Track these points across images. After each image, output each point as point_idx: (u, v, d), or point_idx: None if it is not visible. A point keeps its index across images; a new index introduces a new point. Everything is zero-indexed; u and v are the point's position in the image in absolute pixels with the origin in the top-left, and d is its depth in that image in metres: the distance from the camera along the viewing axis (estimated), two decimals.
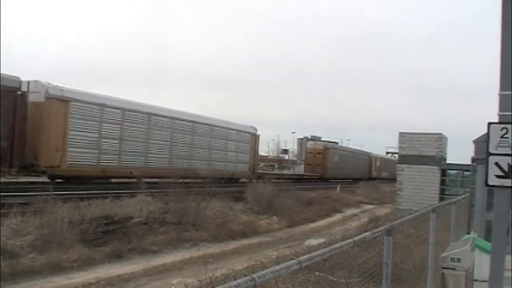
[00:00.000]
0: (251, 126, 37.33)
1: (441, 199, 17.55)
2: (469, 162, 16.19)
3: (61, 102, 20.81)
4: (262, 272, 2.27)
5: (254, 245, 16.14)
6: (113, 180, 25.05)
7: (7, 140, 18.44)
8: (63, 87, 21.43)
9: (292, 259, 2.63)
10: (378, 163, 70.55)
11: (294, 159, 76.54)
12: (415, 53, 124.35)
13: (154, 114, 26.63)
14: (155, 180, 23.92)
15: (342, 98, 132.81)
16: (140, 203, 17.06)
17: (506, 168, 4.97)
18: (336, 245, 3.27)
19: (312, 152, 51.99)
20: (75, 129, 21.39)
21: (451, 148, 21.67)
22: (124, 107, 24.55)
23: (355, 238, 3.62)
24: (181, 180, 19.09)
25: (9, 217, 12.35)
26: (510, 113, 4.99)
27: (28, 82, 20.09)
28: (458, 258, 6.87)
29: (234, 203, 21.81)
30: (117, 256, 12.50)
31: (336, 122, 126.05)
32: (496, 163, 5.01)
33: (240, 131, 35.53)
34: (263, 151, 65.66)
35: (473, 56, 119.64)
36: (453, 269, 6.86)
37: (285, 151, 79.07)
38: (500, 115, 5.14)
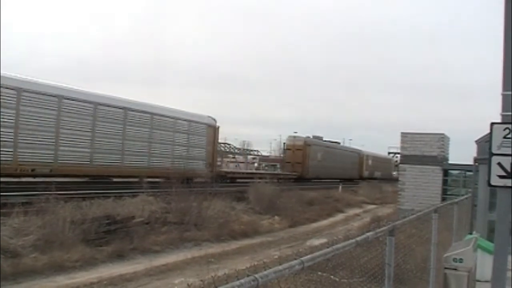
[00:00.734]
0: (209, 117, 31.60)
1: (443, 199, 17.52)
2: (471, 162, 16.16)
3: None
4: (265, 272, 2.27)
5: (256, 245, 16.14)
6: (114, 180, 25.05)
7: None
8: None
9: (295, 259, 2.62)
10: (370, 162, 66.24)
11: None
12: (416, 52, 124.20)
13: (64, 97, 21.07)
14: (157, 180, 23.89)
15: (343, 98, 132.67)
16: (142, 202, 17.09)
17: (508, 168, 4.96)
18: (339, 245, 3.26)
19: (291, 148, 45.93)
20: None
21: (453, 148, 21.64)
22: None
23: (358, 238, 3.61)
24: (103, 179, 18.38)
25: (11, 216, 12.37)
26: None
27: None
28: (460, 259, 6.86)
29: (236, 203, 21.82)
30: (119, 256, 12.51)
31: (338, 122, 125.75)
32: (499, 163, 5.00)
33: (193, 121, 29.76)
34: (265, 151, 65.79)
35: (474, 56, 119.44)
36: (455, 269, 6.85)
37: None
38: (502, 115, 5.13)
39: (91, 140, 22.37)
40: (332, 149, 53.27)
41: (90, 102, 22.34)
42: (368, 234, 3.84)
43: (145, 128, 25.90)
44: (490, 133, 5.10)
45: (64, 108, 21.11)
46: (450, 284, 6.96)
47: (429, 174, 19.46)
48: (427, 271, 6.86)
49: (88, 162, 22.27)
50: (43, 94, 20.29)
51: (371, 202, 35.44)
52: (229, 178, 34.14)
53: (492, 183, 5.07)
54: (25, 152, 19.42)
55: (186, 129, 29.15)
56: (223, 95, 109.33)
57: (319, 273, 4.10)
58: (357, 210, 30.77)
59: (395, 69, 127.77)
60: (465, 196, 13.79)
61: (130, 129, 24.81)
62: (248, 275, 2.15)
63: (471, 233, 11.19)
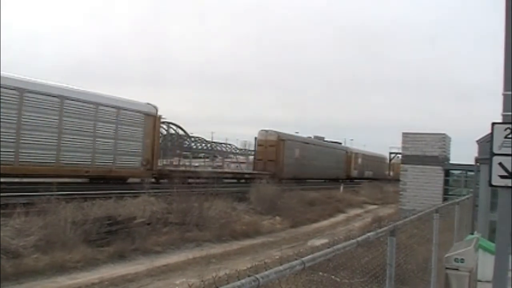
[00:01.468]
0: (148, 104, 26.02)
1: (445, 199, 17.54)
2: (472, 162, 16.15)
3: None
4: (266, 273, 2.27)
5: (257, 246, 16.14)
6: (113, 180, 25.03)
7: None
8: None
9: (296, 259, 2.63)
10: (360, 160, 61.05)
11: None
12: (416, 52, 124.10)
13: None
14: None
15: (344, 98, 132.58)
16: (143, 203, 17.09)
17: (509, 168, 4.95)
18: (340, 246, 3.27)
19: (263, 144, 40.10)
20: None
21: (454, 148, 21.66)
22: None
23: (359, 239, 3.61)
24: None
25: (12, 217, 12.38)
26: None
27: None
28: (462, 259, 6.86)
29: (237, 203, 21.82)
30: (120, 257, 12.52)
31: (338, 122, 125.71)
32: (500, 163, 5.00)
33: (124, 108, 23.98)
34: None
35: (475, 56, 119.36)
36: (457, 269, 6.85)
37: None
38: (503, 115, 5.13)
39: None
40: (312, 145, 47.48)
41: None
42: (369, 234, 3.85)
43: (52, 115, 20.41)
44: (491, 133, 5.10)
45: None
46: (452, 284, 6.96)
47: (431, 174, 19.48)
48: (428, 271, 6.86)
49: None
50: None
51: (372, 203, 35.42)
52: (176, 178, 27.51)
53: (493, 183, 5.06)
54: None
55: (114, 118, 23.36)
56: (223, 95, 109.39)
57: (320, 273, 4.11)
58: (358, 211, 30.75)
59: (395, 69, 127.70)
60: (467, 196, 13.80)
61: (28, 115, 19.32)
62: (249, 275, 2.15)
63: (472, 233, 11.19)
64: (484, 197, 13.95)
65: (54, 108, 20.55)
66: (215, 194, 19.10)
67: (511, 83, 5.02)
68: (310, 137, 57.50)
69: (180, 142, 69.33)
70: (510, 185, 4.94)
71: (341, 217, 26.72)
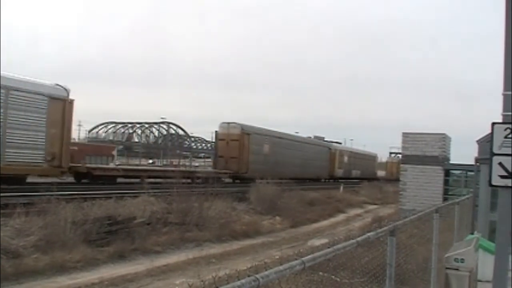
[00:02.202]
0: (56, 85, 21.20)
1: (445, 199, 17.53)
2: (472, 162, 16.15)
3: None
4: (266, 273, 2.27)
5: (257, 245, 16.14)
6: (117, 180, 25.08)
7: None
8: None
9: (296, 259, 2.63)
10: (345, 159, 56.50)
11: None
12: (416, 52, 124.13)
13: None
14: (158, 180, 23.83)
15: (344, 98, 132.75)
16: (143, 203, 17.08)
17: (509, 168, 4.95)
18: (340, 246, 3.27)
19: (225, 139, 35.03)
20: None
21: (454, 148, 21.66)
22: None
23: (359, 239, 3.61)
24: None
25: (12, 217, 12.38)
26: None
27: None
28: (462, 259, 6.86)
29: (237, 203, 21.82)
30: (120, 257, 12.52)
31: (338, 122, 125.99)
32: (500, 163, 5.00)
33: (17, 89, 19.12)
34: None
35: (475, 56, 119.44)
36: (457, 269, 6.85)
37: None
38: (503, 115, 5.12)
39: None
40: (287, 140, 41.80)
41: None
42: (369, 234, 3.85)
43: None
44: (491, 133, 5.10)
45: None
46: (452, 284, 6.96)
47: (431, 174, 19.47)
48: (428, 271, 6.85)
49: None
50: None
51: (372, 202, 35.45)
52: (97, 177, 24.31)
53: (493, 183, 5.06)
54: None
55: (2, 100, 18.57)
56: (223, 95, 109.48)
57: (320, 273, 4.11)
58: (358, 211, 30.76)
59: (395, 68, 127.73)
60: (467, 196, 13.79)
61: None
62: (249, 275, 2.15)
63: (472, 233, 11.18)
64: (484, 197, 13.95)
65: None
66: (215, 194, 19.09)
67: (511, 83, 5.02)
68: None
69: (180, 142, 69.20)
70: (510, 185, 4.94)
71: (341, 217, 26.72)
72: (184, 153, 69.12)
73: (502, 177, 4.98)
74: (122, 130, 71.08)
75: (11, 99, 18.98)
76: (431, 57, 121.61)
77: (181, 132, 67.80)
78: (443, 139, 19.86)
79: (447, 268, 6.96)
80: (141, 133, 70.40)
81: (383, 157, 78.18)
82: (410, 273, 6.23)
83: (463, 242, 8.30)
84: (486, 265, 7.84)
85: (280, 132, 42.35)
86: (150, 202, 17.46)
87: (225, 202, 19.83)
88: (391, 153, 79.25)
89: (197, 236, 15.57)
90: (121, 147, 62.05)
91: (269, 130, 40.01)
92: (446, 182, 19.60)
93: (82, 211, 13.97)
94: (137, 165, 49.37)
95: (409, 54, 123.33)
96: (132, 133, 71.68)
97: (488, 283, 6.82)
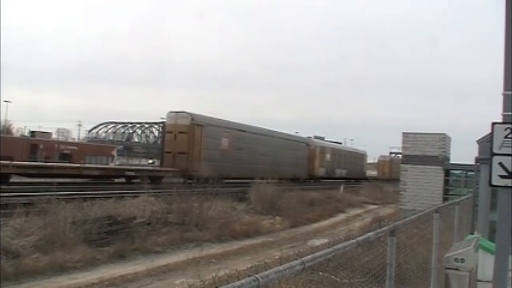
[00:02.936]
0: None
1: (445, 199, 17.52)
2: (472, 162, 16.14)
3: None
4: (266, 273, 2.27)
5: (257, 246, 16.13)
6: (116, 180, 25.06)
7: None
8: None
9: (296, 259, 2.62)
10: (328, 156, 50.24)
11: None
12: (416, 52, 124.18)
13: None
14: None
15: (344, 98, 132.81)
16: (143, 203, 17.09)
17: (509, 168, 4.95)
18: (340, 246, 3.26)
19: (172, 131, 29.79)
20: None
21: (454, 148, 21.66)
22: None
23: (359, 239, 3.61)
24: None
25: (12, 217, 12.38)
26: None
27: None
28: (462, 259, 6.86)
29: (237, 203, 21.82)
30: (120, 257, 12.52)
31: (338, 122, 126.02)
32: (500, 163, 4.99)
33: None
34: None
35: (475, 56, 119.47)
36: (457, 269, 6.85)
37: None
38: (503, 115, 5.12)
39: None
40: (251, 134, 35.76)
41: None
42: (369, 234, 3.84)
43: None
44: (491, 133, 5.09)
45: None
46: (452, 284, 6.96)
47: (431, 174, 19.47)
48: (429, 271, 6.85)
49: None
50: None
51: (373, 202, 35.42)
52: None
53: (494, 183, 5.06)
54: None
55: None
56: (223, 95, 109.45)
57: (320, 273, 4.11)
58: (358, 210, 30.75)
59: (395, 69, 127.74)
60: (467, 196, 13.78)
61: None
62: (249, 275, 2.15)
63: (472, 233, 11.16)
64: (484, 197, 13.92)
65: None
66: (215, 194, 19.09)
67: (511, 83, 5.01)
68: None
69: None
70: (510, 185, 4.94)
71: (341, 217, 26.71)
72: None
73: (502, 177, 4.98)
74: (122, 130, 71.10)
75: None
76: (431, 57, 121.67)
77: None
78: (443, 139, 19.86)
79: (447, 268, 6.96)
80: (141, 133, 70.41)
81: (382, 156, 76.13)
82: (410, 273, 6.23)
83: (463, 242, 8.30)
84: (486, 265, 7.83)
85: (243, 124, 35.87)
86: (150, 202, 17.47)
87: (225, 202, 19.84)
88: (391, 153, 78.71)
89: (197, 236, 15.57)
90: (121, 147, 62.04)
91: (228, 122, 33.85)
92: (446, 182, 19.60)
93: (82, 211, 13.98)
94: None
95: (409, 54, 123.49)
96: (132, 133, 71.71)
97: (488, 283, 6.81)
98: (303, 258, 2.66)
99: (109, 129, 71.42)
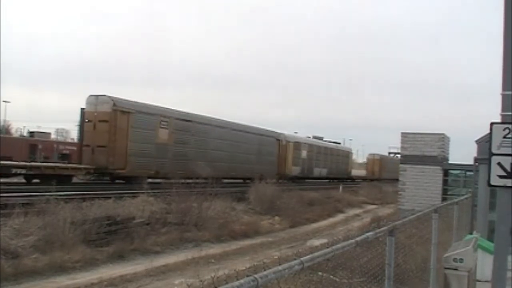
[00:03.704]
0: None
1: (444, 199, 17.52)
2: (471, 162, 16.16)
3: None
4: (265, 273, 2.27)
5: (256, 246, 16.14)
6: (115, 180, 25.04)
7: None
8: None
9: (295, 259, 2.63)
10: (304, 153, 43.64)
11: None
12: (416, 52, 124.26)
13: None
14: (158, 180, 23.72)
15: (343, 98, 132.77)
16: (142, 203, 17.09)
17: (508, 168, 4.96)
18: (338, 245, 3.27)
19: (91, 119, 24.34)
20: None
21: (453, 148, 21.67)
22: None
23: (358, 238, 3.61)
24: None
25: (11, 217, 12.37)
26: None
27: None
28: (461, 259, 6.86)
29: (236, 203, 21.82)
30: (119, 257, 12.51)
31: (338, 122, 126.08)
32: (499, 163, 5.00)
33: None
34: None
35: (475, 56, 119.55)
36: (456, 269, 6.86)
37: None
38: (502, 115, 5.13)
39: None
40: (200, 125, 29.75)
41: None
42: (368, 234, 3.85)
43: None
44: (490, 133, 5.10)
45: None
46: (451, 284, 6.96)
47: (430, 174, 19.46)
48: (427, 271, 6.86)
49: None
50: None
51: (372, 202, 35.43)
52: None
53: (492, 183, 5.07)
54: None
55: None
56: (223, 95, 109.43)
57: (319, 273, 4.11)
58: (357, 210, 30.76)
59: (395, 69, 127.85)
60: (465, 196, 13.77)
61: None
62: (248, 276, 2.15)
63: (471, 233, 11.18)
64: (483, 197, 13.95)
65: None
66: (214, 194, 19.08)
67: (510, 83, 5.02)
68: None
69: None
70: (509, 185, 4.95)
71: (340, 217, 26.72)
72: None
73: (501, 177, 4.99)
74: None
75: None
76: (431, 57, 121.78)
77: None
78: (442, 139, 19.86)
79: (446, 268, 6.97)
80: None
81: (371, 154, 69.21)
82: (409, 273, 6.23)
83: (462, 242, 8.31)
84: (485, 265, 7.84)
85: (189, 113, 29.64)
86: (149, 202, 17.47)
87: (224, 202, 19.84)
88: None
89: (196, 236, 15.57)
90: None
91: (166, 109, 27.74)
92: (445, 182, 19.59)
93: (81, 211, 13.97)
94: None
95: (409, 55, 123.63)
96: None
97: (487, 283, 6.83)
98: (302, 258, 2.67)
99: None
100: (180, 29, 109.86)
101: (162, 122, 26.54)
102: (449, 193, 19.04)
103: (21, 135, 42.27)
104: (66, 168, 23.26)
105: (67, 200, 14.53)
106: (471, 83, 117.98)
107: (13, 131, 50.75)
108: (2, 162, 19.42)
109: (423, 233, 6.97)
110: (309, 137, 54.75)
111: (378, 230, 4.09)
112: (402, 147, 20.60)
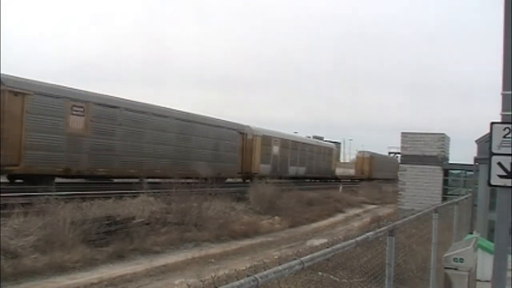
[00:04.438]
0: None
1: (444, 199, 17.54)
2: (471, 162, 16.16)
3: None
4: (265, 272, 2.27)
5: (256, 245, 16.14)
6: (115, 180, 25.00)
7: None
8: None
9: (295, 259, 2.62)
10: (275, 149, 37.63)
11: None
12: (416, 52, 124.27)
13: None
14: (158, 180, 23.60)
15: (343, 98, 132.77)
16: (142, 203, 17.08)
17: (508, 168, 4.96)
18: (339, 245, 3.26)
19: None
20: None
21: (453, 148, 21.68)
22: None
23: (358, 238, 3.61)
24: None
25: (11, 217, 12.37)
26: None
27: None
28: (461, 258, 6.86)
29: (236, 203, 21.82)
30: (119, 257, 12.51)
31: (338, 122, 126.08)
32: (499, 163, 5.00)
33: None
34: None
35: (475, 55, 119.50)
36: (456, 269, 6.86)
37: None
38: (502, 115, 5.13)
39: None
40: (130, 112, 23.81)
41: None
42: (368, 234, 3.84)
43: None
44: (490, 133, 5.10)
45: None
46: (451, 284, 6.96)
47: (430, 174, 19.47)
48: (428, 271, 6.86)
49: None
50: None
51: (371, 202, 35.42)
52: None
53: (492, 182, 5.07)
54: None
55: None
56: (223, 95, 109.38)
57: (320, 273, 4.11)
58: (357, 210, 30.76)
59: (395, 69, 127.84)
60: (466, 196, 13.79)
61: None
62: (248, 275, 2.15)
63: (471, 233, 11.18)
64: (483, 196, 13.96)
65: None
66: (214, 194, 19.07)
67: (510, 83, 5.02)
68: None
69: None
70: (509, 184, 4.95)
71: (340, 217, 26.72)
72: None
73: (501, 176, 4.99)
74: None
75: None
76: (430, 56, 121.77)
77: None
78: (442, 139, 19.87)
79: (446, 267, 6.97)
80: None
81: (360, 152, 64.26)
82: (409, 272, 6.23)
83: (462, 242, 8.31)
84: (485, 264, 7.85)
85: (114, 98, 23.60)
86: (149, 202, 17.46)
87: (224, 202, 19.84)
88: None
89: (196, 236, 15.57)
90: None
91: (80, 92, 21.75)
92: (445, 182, 19.60)
93: (81, 211, 13.97)
94: None
95: (408, 54, 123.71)
96: None
97: (487, 283, 6.83)
98: (302, 258, 2.66)
99: None
100: (180, 29, 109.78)
101: (75, 108, 20.93)
102: (449, 193, 19.06)
103: None
104: None
105: (67, 200, 14.53)
106: (471, 83, 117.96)
107: None
108: None
109: (423, 233, 6.97)
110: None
111: (378, 230, 4.09)
112: (402, 147, 20.61)
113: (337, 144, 60.08)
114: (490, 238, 9.53)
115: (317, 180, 44.88)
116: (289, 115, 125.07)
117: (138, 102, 25.19)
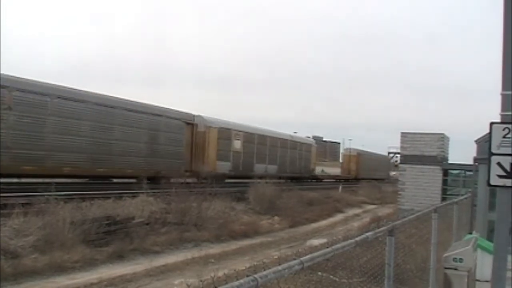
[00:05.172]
0: None
1: (443, 199, 17.52)
2: (471, 162, 16.16)
3: None
4: (264, 272, 2.27)
5: (256, 245, 16.14)
6: (114, 180, 24.97)
7: None
8: None
9: (294, 259, 2.62)
10: (237, 144, 32.54)
11: None
12: (415, 52, 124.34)
13: None
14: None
15: (343, 98, 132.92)
16: (142, 203, 17.08)
17: (508, 168, 4.96)
18: (338, 245, 3.26)
19: None
20: None
21: (453, 148, 21.68)
22: None
23: (357, 238, 3.61)
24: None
25: (11, 217, 12.37)
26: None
27: None
28: (460, 258, 6.87)
29: (236, 203, 21.82)
30: (119, 257, 12.51)
31: (338, 122, 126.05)
32: (498, 163, 5.00)
33: None
34: None
35: (474, 55, 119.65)
36: (455, 269, 6.86)
37: None
38: (502, 115, 5.13)
39: None
40: (28, 94, 18.74)
41: None
42: (367, 234, 3.84)
43: None
44: (490, 133, 5.10)
45: None
46: (450, 284, 6.97)
47: (429, 174, 19.47)
48: (427, 271, 6.86)
49: None
50: None
51: (371, 202, 35.41)
52: None
53: (492, 182, 5.07)
54: None
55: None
56: (223, 95, 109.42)
57: (319, 273, 4.11)
58: (357, 210, 30.75)
59: (395, 69, 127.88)
60: (465, 196, 13.78)
61: None
62: (247, 275, 2.15)
63: (471, 233, 11.18)
64: (483, 196, 13.95)
65: None
66: (213, 194, 19.07)
67: (510, 83, 5.02)
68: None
69: None
70: (508, 184, 4.95)
71: (339, 217, 26.71)
72: None
73: (501, 176, 4.99)
74: None
75: None
76: (430, 57, 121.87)
77: None
78: (442, 139, 19.87)
79: (445, 268, 6.97)
80: None
81: (347, 150, 59.87)
82: (409, 272, 6.24)
83: (462, 242, 8.31)
84: (484, 264, 7.85)
85: (26, 81, 19.12)
86: (148, 202, 17.46)
87: (224, 202, 19.84)
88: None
89: (196, 236, 15.57)
90: None
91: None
92: (444, 182, 19.60)
93: (80, 211, 13.97)
94: None
95: (408, 54, 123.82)
96: None
97: (487, 283, 6.83)
98: (301, 258, 2.66)
99: None
100: (180, 29, 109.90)
101: None
102: (448, 193, 19.05)
103: None
104: None
105: (67, 200, 14.52)
106: (471, 83, 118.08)
107: None
108: None
109: (423, 233, 6.97)
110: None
111: (378, 230, 4.09)
112: (401, 147, 20.60)
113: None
114: (490, 238, 9.53)
115: (293, 180, 37.36)
116: (289, 115, 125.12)
117: (40, 83, 19.87)
